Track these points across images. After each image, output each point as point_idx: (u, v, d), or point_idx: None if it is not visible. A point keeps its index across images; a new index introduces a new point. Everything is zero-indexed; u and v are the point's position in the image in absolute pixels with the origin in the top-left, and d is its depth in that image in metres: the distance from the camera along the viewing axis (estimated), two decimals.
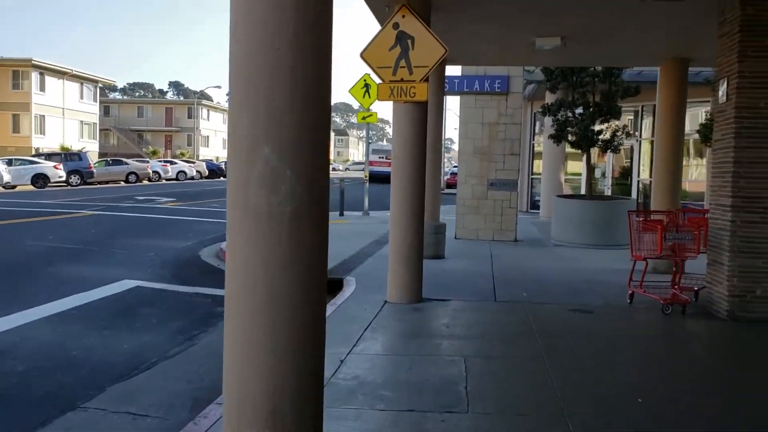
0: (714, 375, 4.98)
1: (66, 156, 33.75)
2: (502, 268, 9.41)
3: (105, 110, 63.93)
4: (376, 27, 7.27)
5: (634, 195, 17.74)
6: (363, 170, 18.79)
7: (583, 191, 15.34)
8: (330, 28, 2.58)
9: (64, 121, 47.10)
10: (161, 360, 5.34)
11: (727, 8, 6.71)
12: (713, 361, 5.41)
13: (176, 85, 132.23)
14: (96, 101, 52.22)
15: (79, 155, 34.47)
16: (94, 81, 51.33)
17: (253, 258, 2.48)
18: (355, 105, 17.60)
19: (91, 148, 48.20)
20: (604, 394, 4.42)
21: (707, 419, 4.04)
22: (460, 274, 8.91)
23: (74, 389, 4.59)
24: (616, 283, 8.06)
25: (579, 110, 13.12)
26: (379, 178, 30.01)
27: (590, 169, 13.85)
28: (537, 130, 21.55)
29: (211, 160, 53.95)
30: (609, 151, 13.55)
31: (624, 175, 19.23)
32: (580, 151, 13.70)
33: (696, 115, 16.53)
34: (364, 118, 17.28)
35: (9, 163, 29.96)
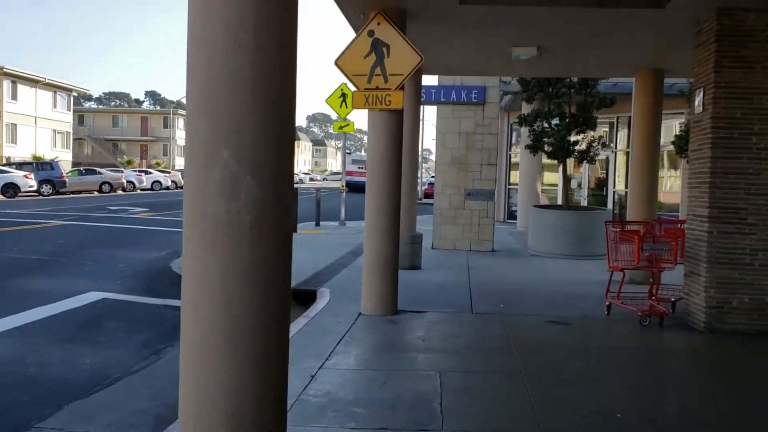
0: (693, 390, 4.90)
1: (38, 165, 33.05)
2: (479, 279, 9.31)
3: (79, 119, 63.00)
4: (352, 35, 7.14)
5: (609, 206, 17.82)
6: (341, 180, 18.58)
7: (559, 202, 15.35)
8: (294, 27, 2.44)
9: (36, 130, 46.28)
10: (125, 375, 5.12)
11: (702, 18, 6.70)
12: (692, 376, 5.33)
13: (153, 95, 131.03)
14: (70, 110, 51.40)
15: (51, 164, 33.79)
16: (68, 90, 50.55)
17: (212, 267, 2.32)
18: (334, 115, 17.46)
19: (65, 157, 47.37)
20: (582, 409, 4.31)
21: None
22: (436, 285, 8.78)
23: (30, 408, 4.36)
24: (593, 294, 7.99)
25: (555, 121, 13.14)
26: (358, 188, 29.86)
27: (566, 179, 13.86)
28: (514, 141, 21.61)
29: None
30: (585, 161, 13.58)
31: (600, 186, 19.33)
32: (556, 162, 13.71)
33: (670, 127, 16.66)
34: (341, 127, 17.14)
35: None
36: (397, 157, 6.97)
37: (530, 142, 13.44)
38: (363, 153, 70.04)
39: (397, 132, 6.94)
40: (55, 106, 48.51)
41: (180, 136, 66.84)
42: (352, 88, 6.79)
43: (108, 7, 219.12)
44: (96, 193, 35.32)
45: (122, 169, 46.10)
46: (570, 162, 14.90)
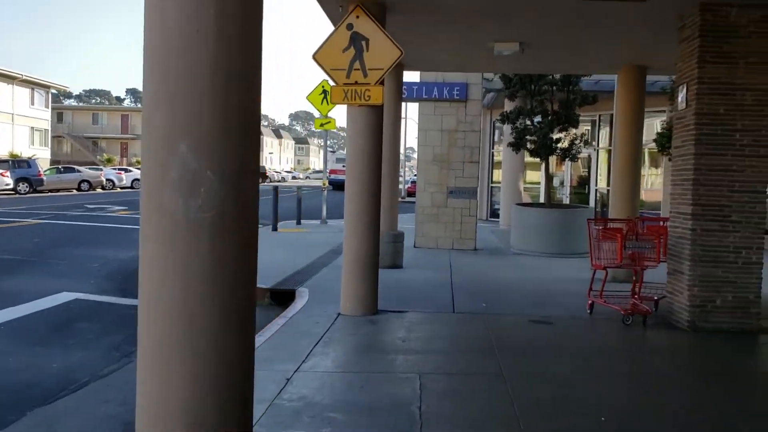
0: (678, 391, 4.80)
1: (14, 163, 32.47)
2: (462, 278, 9.19)
3: (58, 117, 62.08)
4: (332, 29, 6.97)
5: (591, 204, 17.79)
6: (326, 178, 18.37)
7: (542, 200, 15.29)
8: (259, 13, 2.29)
9: (13, 128, 45.47)
10: (93, 380, 4.93)
11: (686, 13, 6.62)
12: (677, 376, 5.24)
13: (134, 92, 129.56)
14: (48, 107, 50.58)
15: (28, 162, 33.20)
16: (45, 86, 49.71)
17: (171, 268, 2.16)
18: (317, 113, 17.22)
19: (43, 155, 46.60)
20: (565, 412, 4.19)
21: None
22: (418, 284, 8.64)
23: None
24: (576, 292, 7.89)
25: (538, 118, 13.06)
26: (342, 187, 29.62)
27: (549, 177, 13.78)
28: (497, 139, 21.53)
29: None
30: (567, 159, 13.51)
31: (581, 184, 19.31)
32: (539, 160, 13.63)
33: (652, 125, 16.66)
34: (322, 125, 16.96)
35: None
36: (377, 154, 6.83)
37: (513, 139, 13.35)
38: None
39: (377, 128, 6.79)
40: (32, 103, 47.72)
41: None
42: (332, 84, 6.64)
43: (89, 5, 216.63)
44: (75, 191, 34.78)
45: (102, 167, 45.47)
46: (552, 160, 14.85)
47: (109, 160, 57.75)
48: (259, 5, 2.30)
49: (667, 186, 13.89)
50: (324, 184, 17.99)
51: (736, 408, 4.41)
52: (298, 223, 17.06)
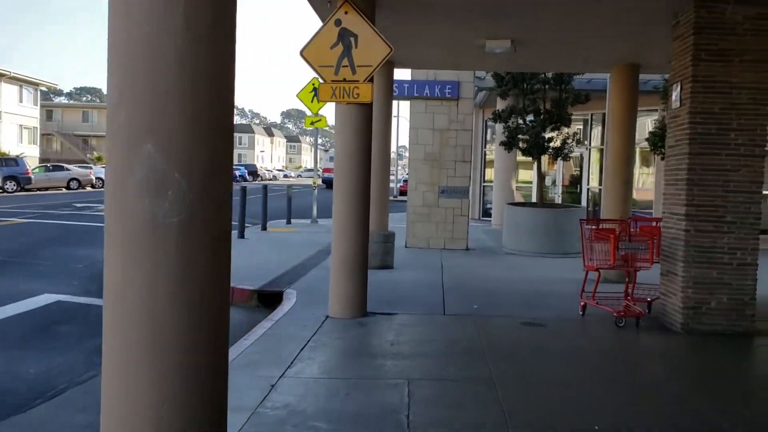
0: (672, 394, 4.69)
1: (2, 161, 32.13)
2: (453, 279, 9.06)
3: (48, 115, 61.54)
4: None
5: (583, 203, 17.70)
6: (317, 177, 18.22)
7: (534, 199, 15.19)
8: (232, 9, 2.14)
9: (0, 125, 45.08)
10: (71, 386, 4.77)
11: (680, 10, 6.51)
12: (670, 379, 5.12)
13: None
14: (37, 105, 50.13)
15: (16, 160, 32.86)
16: (34, 84, 49.27)
17: (136, 274, 2.02)
18: (308, 111, 17.07)
19: (32, 153, 46.18)
20: (558, 419, 4.06)
21: None
22: (408, 286, 8.51)
23: None
24: (568, 293, 7.78)
25: (530, 117, 12.95)
26: None
27: (541, 176, 13.67)
28: (489, 138, 21.42)
29: None
30: (559, 158, 13.41)
31: (573, 184, 19.22)
32: (531, 159, 13.52)
33: (644, 124, 16.58)
34: (312, 123, 16.79)
35: None
36: (367, 153, 6.68)
37: (505, 138, 13.23)
38: None
39: (366, 126, 6.65)
40: (21, 101, 47.28)
41: None
42: (320, 81, 6.49)
43: (81, 1, 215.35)
44: (64, 189, 34.47)
45: (91, 165, 45.09)
46: (544, 159, 14.74)
47: (99, 159, 57.28)
48: (232, 3, 2.16)
49: (659, 185, 13.79)
50: (314, 183, 17.83)
51: (731, 412, 4.29)
52: (288, 222, 16.90)
